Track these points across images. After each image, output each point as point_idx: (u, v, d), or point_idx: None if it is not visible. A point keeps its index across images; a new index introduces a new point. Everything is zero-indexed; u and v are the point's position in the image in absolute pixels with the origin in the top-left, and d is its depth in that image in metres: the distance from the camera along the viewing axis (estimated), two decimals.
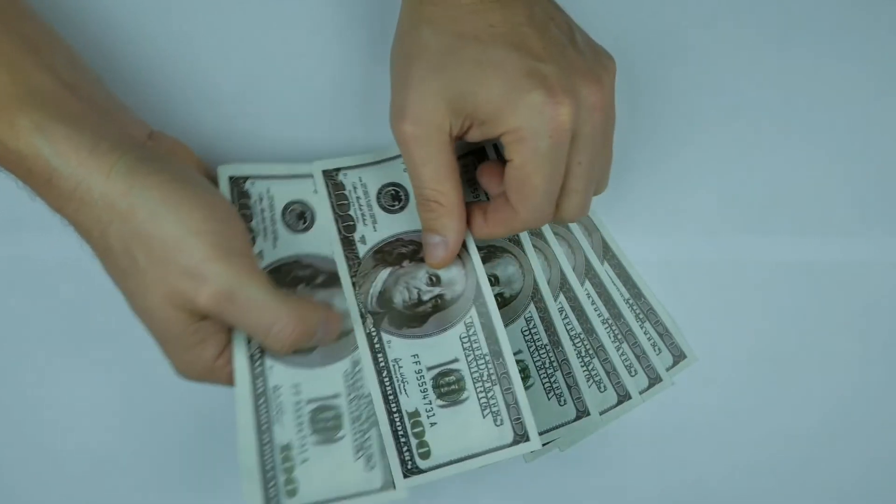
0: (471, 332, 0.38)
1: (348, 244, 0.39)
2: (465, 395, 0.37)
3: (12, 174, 0.32)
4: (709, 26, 0.46)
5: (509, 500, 0.43)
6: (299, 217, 0.39)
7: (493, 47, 0.33)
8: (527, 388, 0.40)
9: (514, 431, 0.36)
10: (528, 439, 0.36)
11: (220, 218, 0.33)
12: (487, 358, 0.38)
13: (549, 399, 0.42)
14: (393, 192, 0.41)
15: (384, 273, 0.39)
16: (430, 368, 0.37)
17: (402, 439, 0.36)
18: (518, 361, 0.40)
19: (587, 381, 0.43)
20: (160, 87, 0.42)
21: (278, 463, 0.34)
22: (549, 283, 0.43)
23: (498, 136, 0.34)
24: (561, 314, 0.43)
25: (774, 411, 0.44)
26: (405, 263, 0.39)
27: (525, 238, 0.43)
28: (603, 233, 0.45)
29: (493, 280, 0.41)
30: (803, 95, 0.46)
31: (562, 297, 0.44)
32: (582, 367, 0.43)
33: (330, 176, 0.41)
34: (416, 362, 0.38)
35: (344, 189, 0.40)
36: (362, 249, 0.39)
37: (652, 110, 0.45)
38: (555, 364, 0.43)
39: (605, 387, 0.43)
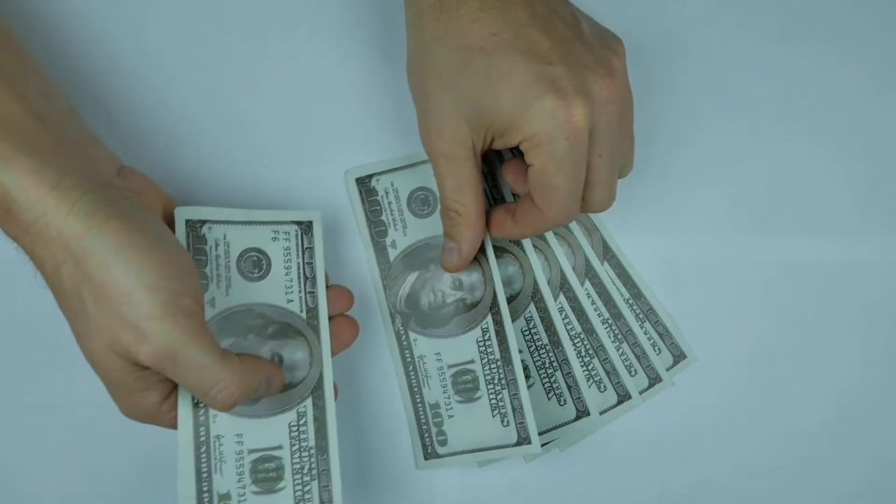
0: (486, 337, 0.41)
1: (380, 249, 0.42)
2: (478, 394, 0.40)
3: None
4: (709, 26, 0.46)
5: (509, 500, 0.43)
6: (255, 265, 0.38)
7: (499, 57, 0.33)
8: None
9: (518, 434, 0.39)
10: (529, 442, 0.39)
11: (174, 275, 0.32)
12: (499, 363, 0.40)
13: (549, 399, 0.42)
14: (423, 196, 0.42)
15: (412, 276, 0.42)
16: (450, 366, 0.41)
17: (424, 427, 0.41)
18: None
19: (587, 381, 0.43)
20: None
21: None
22: (549, 283, 0.43)
23: (518, 145, 0.34)
24: (561, 314, 0.43)
25: (774, 411, 0.44)
26: (431, 267, 0.42)
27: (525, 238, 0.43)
28: (603, 233, 0.45)
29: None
30: (803, 95, 0.46)
31: (562, 297, 0.44)
32: (582, 367, 0.43)
33: (363, 183, 0.43)
34: (438, 359, 0.41)
35: (377, 195, 0.42)
36: (393, 254, 0.42)
37: (652, 110, 0.45)
38: (555, 364, 0.43)
39: (605, 387, 0.43)
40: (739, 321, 0.44)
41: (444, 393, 0.41)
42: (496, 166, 0.43)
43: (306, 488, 0.36)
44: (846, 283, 0.45)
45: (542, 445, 0.42)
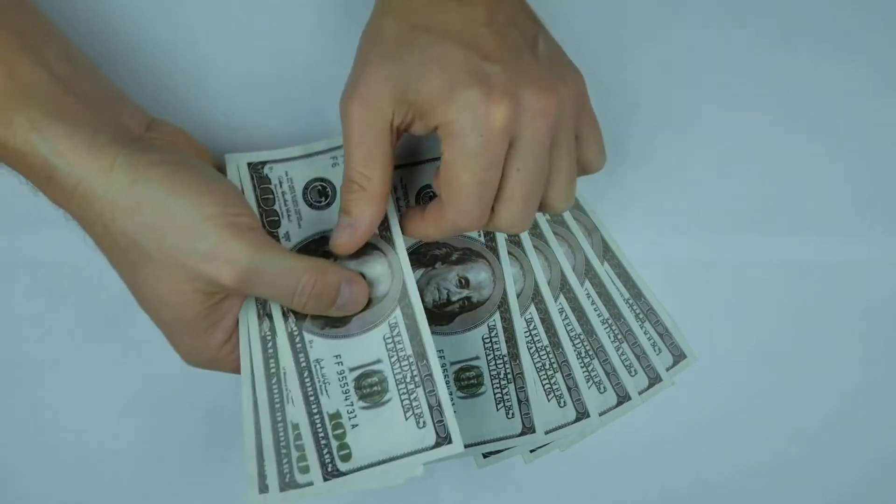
0: (493, 335, 0.41)
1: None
2: (482, 389, 0.40)
3: (14, 170, 0.32)
4: (709, 26, 0.46)
5: (509, 499, 0.43)
6: (321, 194, 0.40)
7: (442, 41, 0.33)
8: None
9: (524, 424, 0.40)
10: (534, 431, 0.39)
11: (229, 201, 0.33)
12: (505, 359, 0.40)
13: (549, 401, 0.42)
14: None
15: (417, 273, 0.41)
16: (453, 363, 0.41)
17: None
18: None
19: (587, 383, 0.43)
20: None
21: (329, 431, 0.36)
22: (549, 283, 0.43)
23: (434, 129, 0.34)
24: (561, 315, 0.43)
25: (774, 411, 0.44)
26: (438, 265, 0.41)
27: (525, 239, 0.43)
28: (603, 233, 0.45)
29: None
30: (803, 95, 0.46)
31: (562, 298, 0.44)
32: (582, 368, 0.43)
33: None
34: (441, 357, 0.40)
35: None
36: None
37: (652, 110, 0.45)
38: (555, 365, 0.43)
39: (604, 388, 0.43)
40: (739, 321, 0.44)
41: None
42: (418, 176, 0.43)
43: (412, 395, 0.37)
44: (846, 283, 0.45)
45: (542, 446, 0.42)
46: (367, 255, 0.39)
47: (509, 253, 0.43)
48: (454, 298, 0.41)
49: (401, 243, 0.39)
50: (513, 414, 0.40)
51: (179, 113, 0.42)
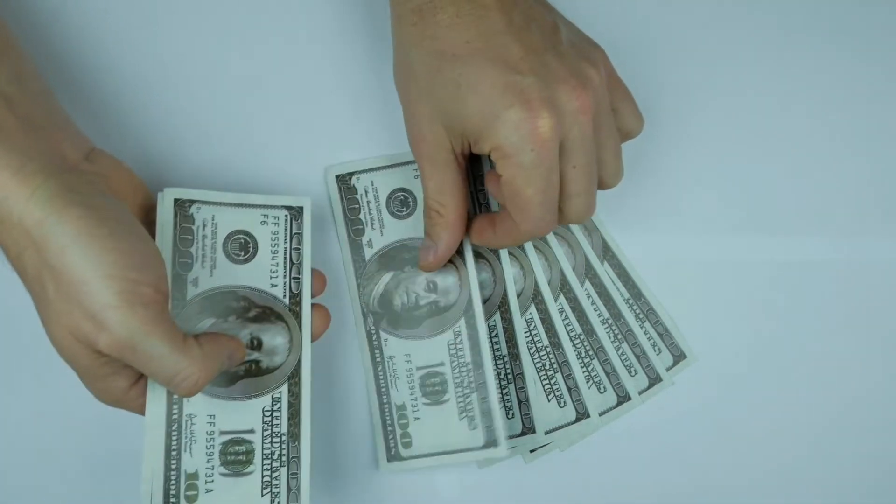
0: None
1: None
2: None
3: None
4: (709, 27, 0.46)
5: (509, 500, 0.43)
6: (403, 203, 0.41)
7: (470, 65, 0.33)
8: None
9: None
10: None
11: (133, 264, 0.31)
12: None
13: (549, 401, 0.42)
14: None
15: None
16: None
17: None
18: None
19: (587, 383, 0.43)
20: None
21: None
22: (549, 283, 0.43)
23: (488, 154, 0.34)
24: (561, 315, 0.43)
25: (774, 411, 0.44)
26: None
27: None
28: (603, 233, 0.45)
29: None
30: (804, 95, 0.46)
31: (562, 298, 0.44)
32: (582, 368, 0.43)
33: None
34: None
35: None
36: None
37: (652, 110, 0.45)
38: (555, 366, 0.43)
39: (604, 388, 0.43)
40: (739, 321, 0.44)
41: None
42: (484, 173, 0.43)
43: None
44: (846, 283, 0.45)
45: (542, 447, 0.43)
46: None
47: (509, 253, 0.43)
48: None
49: (470, 260, 0.41)
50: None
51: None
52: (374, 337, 0.41)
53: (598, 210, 0.45)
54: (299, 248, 0.39)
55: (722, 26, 0.46)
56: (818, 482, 0.44)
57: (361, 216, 0.42)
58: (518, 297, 0.43)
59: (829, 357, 0.45)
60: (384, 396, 0.41)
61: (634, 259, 0.45)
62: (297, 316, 0.38)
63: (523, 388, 0.42)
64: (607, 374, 0.43)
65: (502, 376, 0.42)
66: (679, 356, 0.44)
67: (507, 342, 0.42)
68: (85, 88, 0.42)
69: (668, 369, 0.44)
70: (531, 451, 0.43)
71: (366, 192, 0.42)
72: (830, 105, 0.46)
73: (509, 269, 0.43)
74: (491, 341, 0.42)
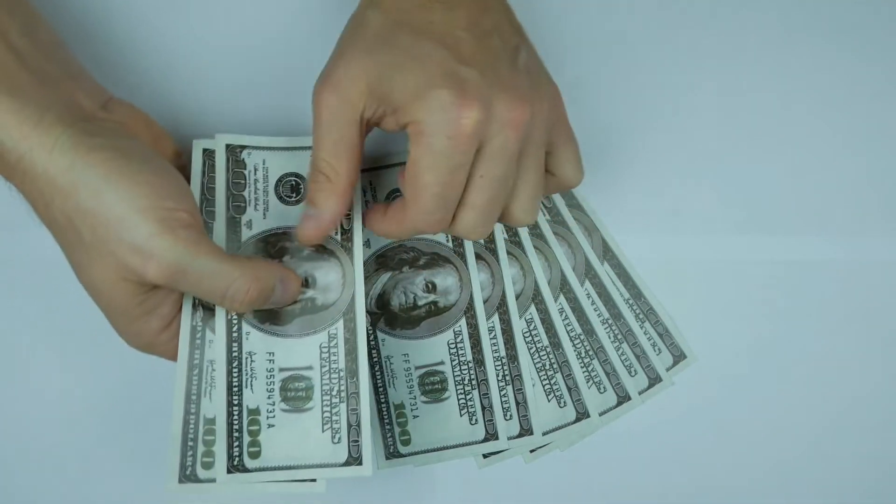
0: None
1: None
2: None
3: None
4: (708, 26, 0.46)
5: (509, 500, 0.43)
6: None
7: (423, 41, 0.33)
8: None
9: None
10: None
11: (165, 194, 0.33)
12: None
13: (549, 401, 0.43)
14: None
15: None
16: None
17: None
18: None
19: (587, 383, 0.43)
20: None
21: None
22: (549, 283, 0.43)
23: (404, 127, 0.34)
24: (561, 315, 0.43)
25: (774, 411, 0.44)
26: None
27: (525, 239, 0.44)
28: (603, 233, 0.45)
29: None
30: (804, 95, 0.46)
31: (562, 298, 0.44)
32: (582, 368, 0.43)
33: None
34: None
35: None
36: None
37: (652, 110, 0.45)
38: (555, 366, 0.43)
39: (604, 388, 0.43)
40: (739, 321, 0.44)
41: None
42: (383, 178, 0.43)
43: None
44: (846, 283, 0.45)
45: (542, 447, 0.43)
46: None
47: (509, 253, 0.43)
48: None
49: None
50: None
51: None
52: (371, 336, 0.41)
53: (598, 210, 0.45)
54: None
55: (722, 25, 0.46)
56: (818, 482, 0.44)
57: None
58: (518, 298, 0.43)
59: (829, 357, 0.45)
60: (382, 395, 0.41)
61: (634, 259, 0.45)
62: (349, 252, 0.38)
63: (521, 389, 0.42)
64: (607, 374, 0.43)
65: (500, 377, 0.42)
66: (679, 356, 0.44)
67: (505, 343, 0.42)
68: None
69: (668, 369, 0.44)
70: (531, 451, 0.43)
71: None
72: (830, 105, 0.46)
73: (507, 271, 0.43)
74: (490, 342, 0.42)
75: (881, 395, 0.44)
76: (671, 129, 0.45)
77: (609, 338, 0.44)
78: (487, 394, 0.41)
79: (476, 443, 0.41)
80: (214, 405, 0.36)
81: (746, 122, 0.45)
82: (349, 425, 0.37)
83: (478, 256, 0.43)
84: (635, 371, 0.44)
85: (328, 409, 0.37)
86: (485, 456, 0.42)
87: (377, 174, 0.43)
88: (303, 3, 0.44)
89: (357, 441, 0.36)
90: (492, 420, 0.41)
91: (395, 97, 0.33)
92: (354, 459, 0.36)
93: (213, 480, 0.35)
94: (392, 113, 0.34)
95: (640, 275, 0.45)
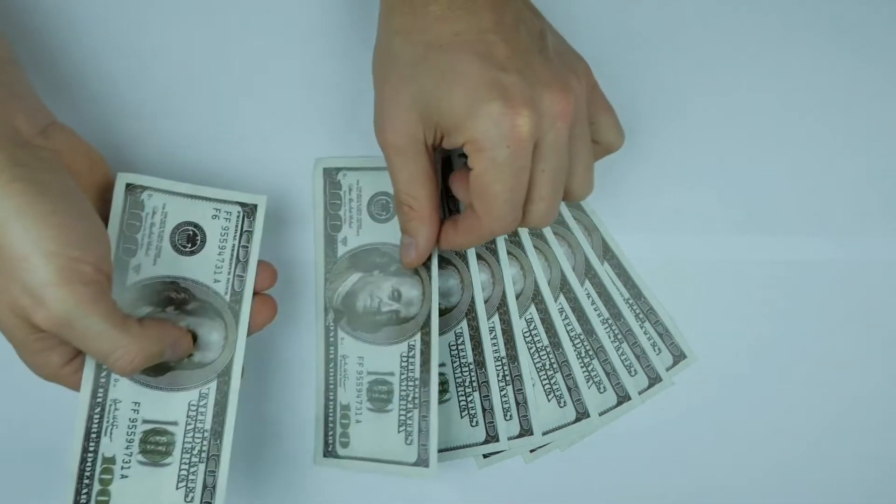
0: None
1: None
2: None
3: None
4: (709, 26, 0.46)
5: (509, 500, 0.43)
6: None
7: (457, 56, 0.33)
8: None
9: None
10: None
11: (74, 241, 0.31)
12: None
13: (549, 401, 0.43)
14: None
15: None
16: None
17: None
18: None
19: (587, 383, 0.43)
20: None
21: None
22: (549, 283, 0.43)
23: (461, 146, 0.34)
24: (561, 315, 0.43)
25: (774, 411, 0.44)
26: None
27: (525, 239, 0.44)
28: (603, 233, 0.45)
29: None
30: (803, 95, 0.46)
31: (562, 298, 0.44)
32: (582, 368, 0.43)
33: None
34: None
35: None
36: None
37: (652, 110, 0.45)
38: (555, 366, 0.43)
39: (604, 388, 0.43)
40: (739, 321, 0.44)
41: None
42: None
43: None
44: (846, 283, 0.45)
45: (542, 446, 0.43)
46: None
47: (509, 253, 0.43)
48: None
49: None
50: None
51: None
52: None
53: (598, 210, 0.45)
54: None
55: (722, 25, 0.46)
56: (818, 482, 0.44)
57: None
58: (518, 298, 0.43)
59: (829, 357, 0.45)
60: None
61: (634, 259, 0.45)
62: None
63: (521, 389, 0.42)
64: (607, 374, 0.43)
65: (500, 377, 0.42)
66: (679, 356, 0.44)
67: (505, 344, 0.42)
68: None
69: (668, 369, 0.44)
70: (531, 451, 0.43)
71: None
72: (830, 105, 0.46)
73: (508, 271, 0.43)
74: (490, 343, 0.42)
75: (881, 395, 0.44)
76: (671, 129, 0.45)
77: (609, 338, 0.44)
78: (488, 395, 0.41)
79: (477, 444, 0.41)
80: (115, 444, 0.36)
81: (746, 122, 0.45)
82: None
83: (478, 257, 0.43)
84: (635, 371, 0.44)
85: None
86: (485, 456, 0.42)
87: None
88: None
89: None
90: (492, 422, 0.41)
91: (446, 120, 0.34)
92: None
93: None
94: (448, 135, 0.34)
95: (640, 275, 0.45)
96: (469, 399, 0.42)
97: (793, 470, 0.44)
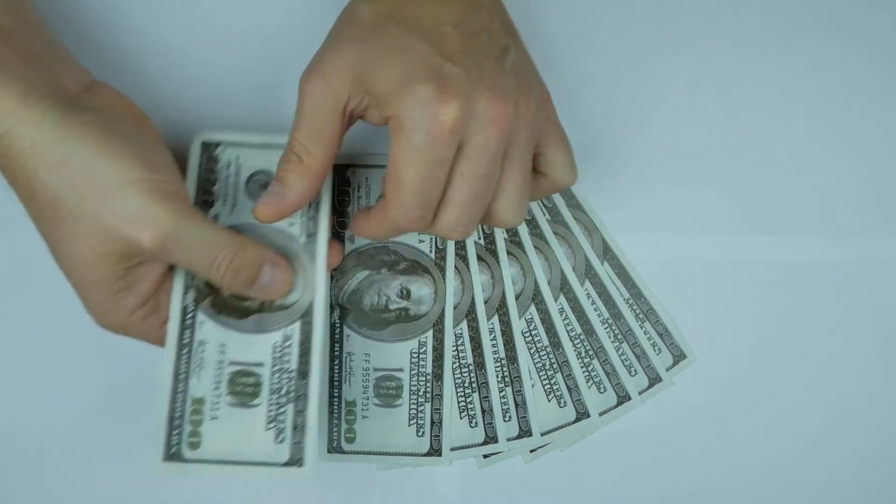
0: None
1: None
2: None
3: None
4: (709, 25, 0.46)
5: (509, 500, 0.43)
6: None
7: (409, 35, 0.33)
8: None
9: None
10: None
11: (155, 167, 0.33)
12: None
13: (549, 401, 0.43)
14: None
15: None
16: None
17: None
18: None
19: (587, 383, 0.43)
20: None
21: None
22: (549, 283, 0.43)
23: (387, 121, 0.34)
24: (561, 315, 0.43)
25: (774, 411, 0.44)
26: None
27: (525, 239, 0.44)
28: (603, 233, 0.45)
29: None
30: (803, 95, 0.46)
31: (562, 298, 0.44)
32: (582, 368, 0.43)
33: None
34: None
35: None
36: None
37: (652, 110, 0.45)
38: (555, 366, 0.43)
39: (604, 388, 0.43)
40: (739, 321, 0.44)
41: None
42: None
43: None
44: (846, 283, 0.45)
45: (542, 447, 0.43)
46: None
47: (509, 253, 0.43)
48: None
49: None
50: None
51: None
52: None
53: (598, 210, 0.45)
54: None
55: (722, 25, 0.46)
56: (818, 482, 0.44)
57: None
58: (518, 298, 0.43)
59: (829, 357, 0.45)
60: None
61: (634, 259, 0.45)
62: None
63: (520, 391, 0.42)
64: (607, 374, 0.43)
65: (500, 379, 0.42)
66: (679, 356, 0.44)
67: (505, 345, 0.42)
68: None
69: (668, 369, 0.44)
70: (531, 451, 0.43)
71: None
72: (830, 105, 0.46)
73: (508, 272, 0.43)
74: (490, 344, 0.42)
75: (881, 395, 0.44)
76: (671, 129, 0.45)
77: (609, 338, 0.44)
78: (488, 397, 0.41)
79: (476, 445, 0.42)
80: (203, 385, 0.36)
81: (746, 122, 0.45)
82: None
83: (478, 258, 0.43)
84: (635, 371, 0.44)
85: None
86: (485, 456, 0.42)
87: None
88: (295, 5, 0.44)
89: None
90: (492, 423, 0.41)
91: (379, 89, 0.33)
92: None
93: (199, 461, 0.36)
94: (375, 106, 0.34)
95: (640, 275, 0.45)
96: (468, 400, 0.42)
97: (793, 470, 0.44)
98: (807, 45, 0.46)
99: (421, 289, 0.42)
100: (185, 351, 0.37)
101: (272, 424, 0.37)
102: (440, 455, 0.41)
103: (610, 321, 0.44)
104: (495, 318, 0.43)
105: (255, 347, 0.38)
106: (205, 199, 0.39)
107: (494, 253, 0.43)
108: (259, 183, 0.39)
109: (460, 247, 0.43)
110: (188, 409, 0.36)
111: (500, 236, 0.43)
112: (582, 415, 0.43)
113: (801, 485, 0.44)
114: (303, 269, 0.38)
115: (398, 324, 0.42)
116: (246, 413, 0.37)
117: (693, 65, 0.46)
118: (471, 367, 0.42)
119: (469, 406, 0.42)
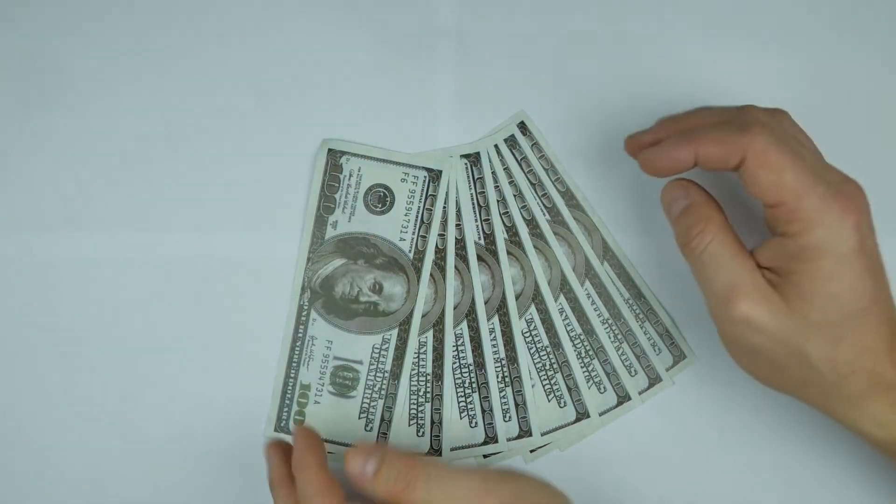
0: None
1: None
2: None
3: None
4: (709, 26, 0.46)
5: None
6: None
7: None
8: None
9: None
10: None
11: None
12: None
13: (549, 401, 0.43)
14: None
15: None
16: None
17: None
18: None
19: (587, 383, 0.43)
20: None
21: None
22: (549, 283, 0.43)
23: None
24: (561, 315, 0.43)
25: (774, 411, 0.44)
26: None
27: (525, 239, 0.44)
28: (603, 233, 0.45)
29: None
30: (804, 95, 0.46)
31: (562, 298, 0.44)
32: (582, 368, 0.43)
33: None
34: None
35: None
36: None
37: (652, 110, 0.45)
38: (555, 366, 0.43)
39: (604, 388, 0.43)
40: None
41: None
42: None
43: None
44: None
45: (542, 446, 0.43)
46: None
47: (509, 253, 0.43)
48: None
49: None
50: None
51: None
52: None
53: (598, 210, 0.45)
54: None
55: (721, 25, 0.46)
56: (818, 482, 0.44)
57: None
58: (518, 298, 0.43)
59: None
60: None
61: (634, 259, 0.45)
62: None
63: (521, 391, 0.42)
64: (607, 374, 0.43)
65: (500, 379, 0.42)
66: (679, 356, 0.44)
67: (505, 345, 0.42)
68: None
69: (668, 369, 0.44)
70: (531, 451, 0.43)
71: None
72: (830, 105, 0.46)
73: (508, 272, 0.43)
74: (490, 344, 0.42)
75: None
76: None
77: (609, 338, 0.44)
78: (488, 397, 0.41)
79: (476, 445, 0.42)
80: (310, 373, 0.42)
81: None
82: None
83: (478, 258, 0.43)
84: (635, 371, 0.44)
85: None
86: (485, 456, 0.42)
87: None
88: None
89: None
90: (492, 423, 0.42)
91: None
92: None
93: None
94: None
95: (640, 275, 0.45)
96: (468, 400, 0.42)
97: (793, 470, 0.44)
98: (807, 44, 0.46)
99: (394, 286, 0.42)
100: (298, 343, 0.42)
101: (363, 415, 0.42)
102: (440, 455, 0.41)
103: (610, 321, 0.44)
104: (495, 318, 0.43)
105: (358, 346, 0.42)
106: (326, 205, 0.42)
107: (494, 253, 0.43)
108: (377, 196, 0.42)
109: (460, 247, 0.43)
110: (297, 392, 0.42)
111: (500, 236, 0.43)
112: (582, 415, 0.43)
113: (802, 484, 0.44)
114: (407, 281, 0.42)
115: (365, 317, 0.42)
116: (342, 402, 0.42)
117: (692, 64, 0.45)
118: (471, 367, 0.42)
119: (469, 406, 0.42)
